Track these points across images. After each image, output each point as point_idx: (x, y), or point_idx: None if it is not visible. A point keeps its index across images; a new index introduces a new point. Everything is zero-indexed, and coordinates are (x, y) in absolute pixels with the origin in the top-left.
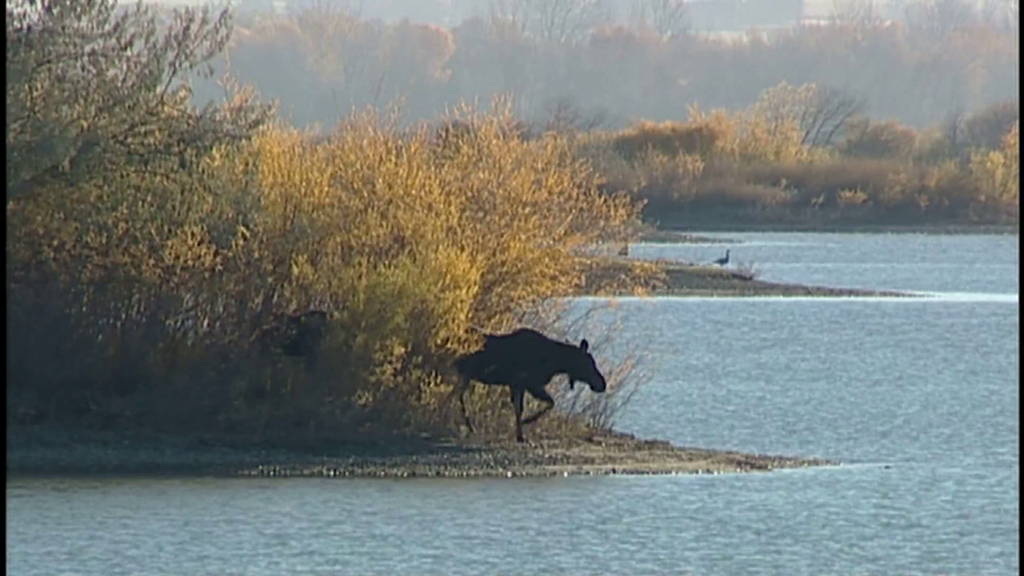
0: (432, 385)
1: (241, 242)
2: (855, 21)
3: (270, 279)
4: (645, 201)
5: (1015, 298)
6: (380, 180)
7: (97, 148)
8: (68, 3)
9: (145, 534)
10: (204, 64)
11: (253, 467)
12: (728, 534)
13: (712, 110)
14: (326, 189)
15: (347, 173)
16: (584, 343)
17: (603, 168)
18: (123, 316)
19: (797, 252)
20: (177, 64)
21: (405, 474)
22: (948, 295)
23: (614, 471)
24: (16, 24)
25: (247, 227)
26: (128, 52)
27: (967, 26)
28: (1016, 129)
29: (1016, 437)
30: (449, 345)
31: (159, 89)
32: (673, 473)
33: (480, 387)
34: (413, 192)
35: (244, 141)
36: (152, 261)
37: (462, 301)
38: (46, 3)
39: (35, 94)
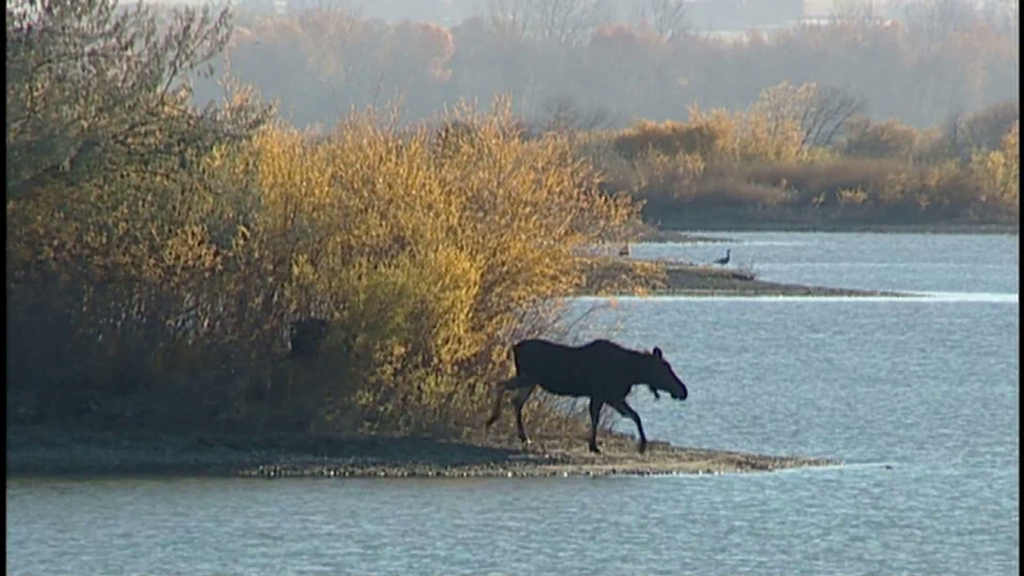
0: (432, 385)
1: (241, 242)
2: (855, 21)
3: (270, 279)
4: (645, 201)
5: (1014, 298)
6: (380, 180)
7: (97, 148)
8: (68, 3)
9: (144, 533)
10: (204, 64)
11: (253, 467)
12: (726, 534)
13: (712, 110)
14: (326, 189)
15: (347, 173)
16: (658, 350)
17: (603, 168)
18: (123, 316)
19: (797, 252)
20: (177, 64)
21: (405, 474)
22: (948, 295)
23: (614, 471)
24: (16, 24)
25: (247, 227)
26: (128, 52)
27: (967, 26)
28: (1016, 129)
29: (1015, 437)
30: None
31: (159, 89)
32: (673, 473)
33: (479, 387)
34: (413, 192)
35: (244, 141)
36: (152, 261)
37: (462, 301)
38: (46, 3)
39: (35, 94)
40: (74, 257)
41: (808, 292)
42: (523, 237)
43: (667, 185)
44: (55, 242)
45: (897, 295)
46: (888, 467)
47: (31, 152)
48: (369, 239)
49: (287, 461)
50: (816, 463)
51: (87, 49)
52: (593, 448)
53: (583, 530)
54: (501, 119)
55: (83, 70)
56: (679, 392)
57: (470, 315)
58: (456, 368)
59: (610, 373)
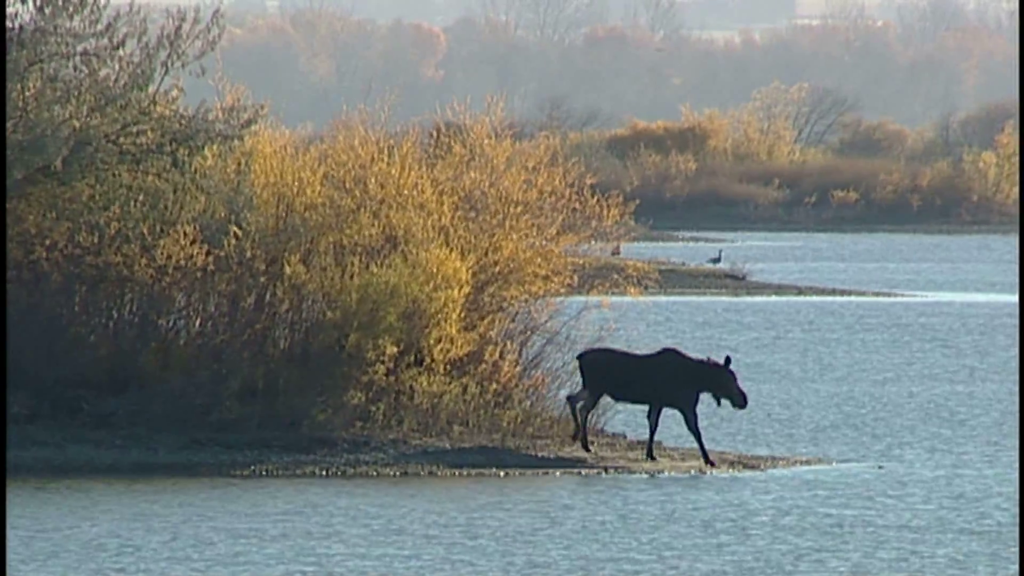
0: (424, 385)
1: (233, 242)
2: (847, 21)
3: (262, 279)
4: (637, 201)
5: (1009, 298)
6: (372, 180)
7: (89, 148)
8: (60, 3)
9: (136, 533)
10: (196, 64)
11: (246, 467)
12: (716, 533)
13: (705, 110)
14: (318, 189)
15: (339, 173)
16: (728, 359)
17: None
18: (116, 316)
19: (790, 252)
20: (169, 64)
21: (397, 474)
22: (941, 295)
23: (606, 471)
24: (8, 23)
25: (239, 227)
26: (120, 52)
27: (960, 26)
28: (1009, 129)
29: (1012, 437)
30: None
31: (151, 89)
32: (665, 473)
33: (472, 387)
34: (405, 192)
35: (236, 141)
36: (144, 261)
37: (454, 301)
38: (38, 3)
39: (27, 94)
40: (66, 257)
41: (800, 292)
42: (515, 237)
43: (659, 185)
44: (47, 242)
45: (889, 295)
46: (880, 467)
47: (23, 152)
48: (361, 239)
49: (279, 461)
50: (808, 463)
51: (79, 49)
52: (650, 456)
53: (572, 529)
54: (493, 119)
55: (75, 70)
56: (740, 402)
57: (462, 315)
58: (448, 368)
59: (678, 381)
